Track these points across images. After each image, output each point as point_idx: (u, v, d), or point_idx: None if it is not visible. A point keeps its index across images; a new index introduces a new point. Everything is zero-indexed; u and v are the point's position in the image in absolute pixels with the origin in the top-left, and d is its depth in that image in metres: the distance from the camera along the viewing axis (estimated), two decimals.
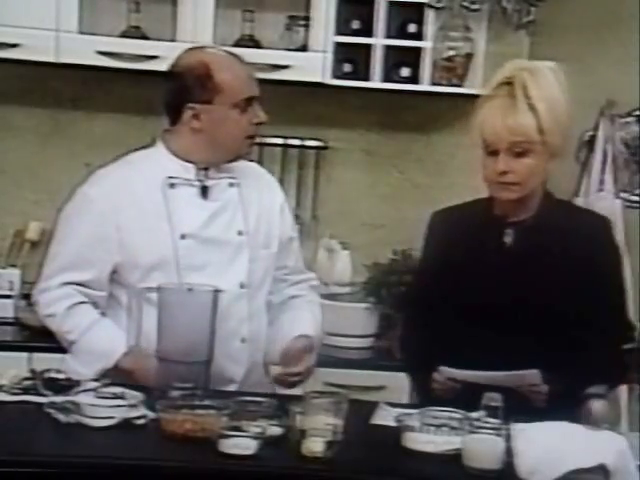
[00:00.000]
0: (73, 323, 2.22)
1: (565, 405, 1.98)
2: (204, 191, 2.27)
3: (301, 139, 3.41)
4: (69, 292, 2.23)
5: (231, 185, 2.29)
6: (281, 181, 2.57)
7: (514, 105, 2.09)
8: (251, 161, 2.46)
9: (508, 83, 2.12)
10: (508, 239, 2.18)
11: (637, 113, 3.44)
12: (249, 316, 2.28)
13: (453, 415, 1.92)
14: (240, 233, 2.27)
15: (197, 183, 2.26)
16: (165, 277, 2.18)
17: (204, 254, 2.23)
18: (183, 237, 2.22)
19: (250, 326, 2.29)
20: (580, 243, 2.14)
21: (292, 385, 2.23)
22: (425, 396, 2.19)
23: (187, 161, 2.26)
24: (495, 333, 2.10)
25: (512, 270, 2.14)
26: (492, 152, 2.13)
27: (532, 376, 2.06)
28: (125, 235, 2.21)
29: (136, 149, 2.37)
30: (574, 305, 2.10)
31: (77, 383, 2.02)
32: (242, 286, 2.26)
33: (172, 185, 2.24)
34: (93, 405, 1.90)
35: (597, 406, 2.04)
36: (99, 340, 2.21)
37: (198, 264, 2.22)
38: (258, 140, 3.29)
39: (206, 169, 2.27)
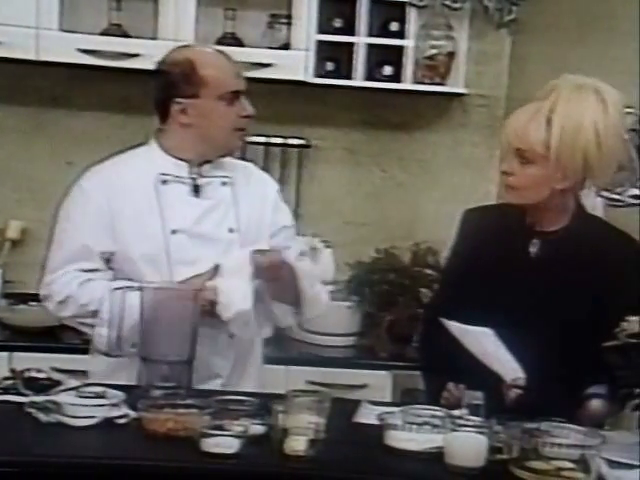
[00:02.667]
0: (90, 295, 2.23)
1: (565, 406, 1.98)
2: (196, 189, 2.31)
3: (284, 137, 3.41)
4: (77, 274, 2.25)
5: (224, 184, 2.33)
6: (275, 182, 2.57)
7: (535, 112, 2.08)
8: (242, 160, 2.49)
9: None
10: (534, 249, 2.17)
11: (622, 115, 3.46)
12: None
13: (435, 413, 1.92)
14: (231, 230, 2.31)
15: (189, 181, 2.30)
16: (156, 271, 2.23)
17: (195, 250, 2.26)
18: (174, 232, 2.26)
19: None
20: (605, 262, 2.12)
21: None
22: (436, 399, 2.17)
23: (180, 159, 2.30)
24: (513, 342, 2.08)
25: (533, 280, 2.13)
26: (506, 153, 2.13)
27: (514, 370, 2.06)
28: (118, 227, 2.25)
29: (129, 147, 2.39)
30: (590, 322, 2.07)
31: (58, 382, 2.01)
32: None
33: (164, 182, 2.28)
34: (74, 404, 1.89)
35: (597, 406, 2.04)
36: (117, 297, 2.19)
37: (189, 259, 2.25)
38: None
39: (199, 167, 2.31)
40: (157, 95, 2.30)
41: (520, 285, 2.14)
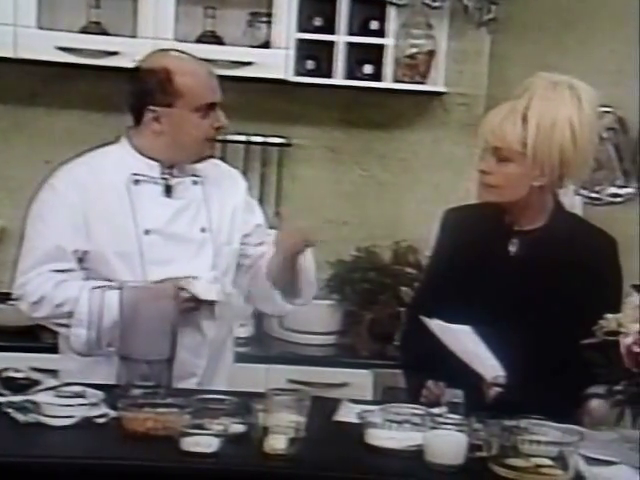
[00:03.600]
0: (65, 295, 2.22)
1: (545, 403, 1.99)
2: (168, 189, 2.30)
3: (264, 136, 3.40)
4: (51, 275, 2.24)
5: (195, 183, 2.33)
6: (244, 178, 2.57)
7: (511, 111, 2.09)
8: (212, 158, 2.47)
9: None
10: (513, 248, 2.18)
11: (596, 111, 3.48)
12: (211, 310, 2.29)
13: (415, 411, 1.93)
14: (203, 230, 2.31)
15: (161, 181, 2.30)
16: (130, 270, 2.22)
17: (168, 250, 2.26)
18: (147, 232, 2.26)
19: (212, 320, 2.30)
20: (583, 260, 2.12)
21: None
22: (417, 398, 2.18)
23: (151, 159, 2.30)
24: (493, 340, 2.09)
25: (513, 279, 2.14)
26: (483, 152, 2.13)
27: (494, 368, 2.07)
28: (92, 226, 2.24)
29: (100, 145, 2.37)
30: (570, 320, 2.08)
31: (36, 382, 2.00)
32: None
33: (136, 182, 2.28)
34: (53, 404, 1.88)
35: (597, 406, 2.05)
36: (96, 297, 2.19)
37: (162, 259, 2.25)
38: (221, 137, 3.33)
39: (170, 167, 2.31)
40: (131, 100, 2.29)
41: (500, 284, 2.15)
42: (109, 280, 2.20)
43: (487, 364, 2.09)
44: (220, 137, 3.28)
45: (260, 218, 2.45)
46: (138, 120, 2.29)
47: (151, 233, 2.26)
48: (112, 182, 2.26)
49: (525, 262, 2.16)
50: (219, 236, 2.32)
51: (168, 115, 2.23)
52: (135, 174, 2.27)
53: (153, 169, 2.29)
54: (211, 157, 2.39)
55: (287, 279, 2.34)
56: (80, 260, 2.26)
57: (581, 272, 2.12)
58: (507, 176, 2.11)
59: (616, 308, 2.05)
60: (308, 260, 2.37)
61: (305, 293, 2.41)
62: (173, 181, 2.30)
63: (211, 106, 2.26)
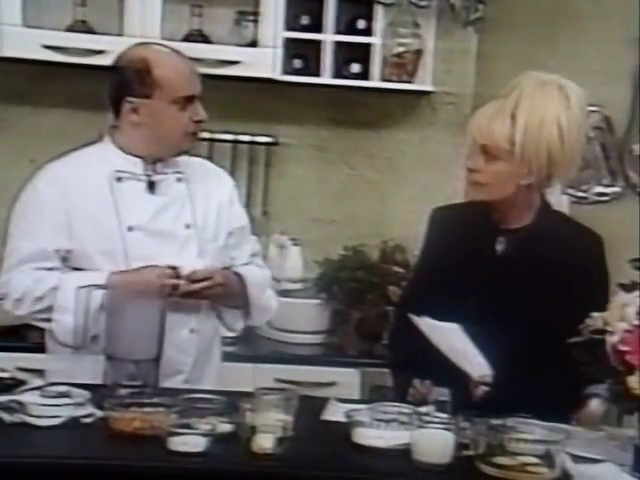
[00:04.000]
0: (43, 287, 2.22)
1: (533, 401, 1.99)
2: (151, 185, 2.30)
3: (251, 135, 3.40)
4: (33, 272, 2.24)
5: (179, 180, 2.33)
6: (231, 177, 2.57)
7: (499, 109, 2.09)
8: (197, 156, 2.47)
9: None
10: (500, 247, 2.18)
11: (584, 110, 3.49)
12: (197, 307, 2.31)
13: (403, 410, 1.93)
14: (188, 226, 2.31)
15: (144, 177, 2.29)
16: (114, 268, 2.22)
17: (152, 246, 2.26)
18: (130, 229, 2.26)
19: (198, 317, 2.32)
20: (570, 258, 2.13)
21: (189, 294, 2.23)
22: (404, 396, 2.18)
23: (134, 156, 2.30)
24: (481, 338, 2.09)
25: (500, 278, 2.14)
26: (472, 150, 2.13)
27: (480, 367, 2.07)
28: (74, 224, 2.24)
29: (84, 145, 2.37)
30: (557, 318, 2.08)
31: (22, 382, 1.99)
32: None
33: (119, 179, 2.28)
34: (38, 404, 1.87)
35: (596, 406, 2.05)
36: (77, 280, 2.19)
37: (146, 256, 2.24)
38: (208, 136, 3.34)
39: (154, 164, 2.30)
40: (110, 91, 2.29)
41: (488, 282, 2.15)
42: (89, 286, 2.18)
43: (474, 362, 2.09)
44: (208, 136, 3.34)
45: (244, 220, 2.44)
46: (117, 112, 2.28)
47: (135, 230, 2.26)
48: (95, 180, 2.26)
49: (512, 261, 2.16)
50: (204, 233, 2.32)
51: (146, 106, 2.23)
52: (118, 171, 2.27)
53: (136, 166, 2.28)
54: (190, 152, 2.38)
55: (235, 305, 2.35)
56: (64, 259, 2.26)
57: (567, 270, 2.13)
58: (495, 174, 2.11)
59: (603, 306, 2.06)
60: (255, 288, 2.35)
61: (255, 317, 2.42)
62: (156, 177, 2.30)
63: (190, 99, 2.25)
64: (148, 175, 2.29)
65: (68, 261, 2.26)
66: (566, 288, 2.12)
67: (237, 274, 2.35)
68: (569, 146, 2.10)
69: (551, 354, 2.08)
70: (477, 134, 2.11)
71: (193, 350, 2.31)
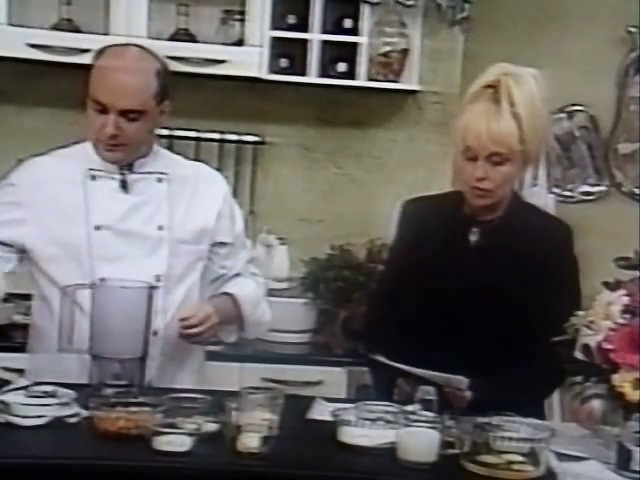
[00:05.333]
0: None
1: (512, 396, 1.99)
2: (124, 185, 2.27)
3: (238, 134, 3.40)
4: None
5: (159, 180, 2.30)
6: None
7: (498, 112, 2.07)
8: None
9: (491, 86, 2.09)
10: (473, 238, 2.19)
11: (569, 109, 3.51)
12: (163, 309, 2.26)
13: (388, 409, 1.93)
14: (161, 228, 2.27)
15: (118, 176, 2.27)
16: (79, 268, 2.20)
17: (119, 246, 2.23)
18: (98, 228, 2.23)
19: (164, 319, 2.26)
20: (541, 248, 2.14)
21: (187, 336, 2.22)
22: (380, 389, 2.19)
23: None
24: (450, 331, 2.10)
25: (474, 269, 2.15)
26: (471, 158, 2.10)
27: (458, 381, 2.07)
28: (42, 221, 2.22)
29: (72, 143, 2.35)
30: (528, 309, 2.10)
31: (7, 382, 1.98)
32: (158, 279, 2.24)
33: (93, 177, 2.26)
34: (23, 404, 1.86)
35: (596, 406, 2.05)
36: None
37: (112, 256, 2.22)
38: (195, 135, 3.34)
39: (130, 163, 2.27)
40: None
41: (461, 273, 2.16)
42: (56, 279, 2.19)
43: (448, 379, 2.07)
44: (194, 135, 3.33)
45: (230, 236, 2.38)
46: None
47: (102, 229, 2.23)
48: (68, 178, 2.25)
49: (485, 251, 2.17)
50: (180, 235, 2.28)
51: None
52: (92, 169, 2.26)
53: (112, 165, 2.26)
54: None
55: (229, 321, 2.33)
56: (21, 259, 2.24)
57: (537, 260, 2.14)
58: (503, 176, 2.11)
59: (573, 296, 2.10)
60: (249, 307, 2.34)
61: (249, 332, 2.40)
62: (131, 177, 2.26)
63: (104, 108, 2.18)
64: (122, 174, 2.27)
65: (32, 262, 2.24)
66: (536, 277, 2.13)
67: (229, 294, 2.31)
68: (547, 133, 2.15)
69: (525, 344, 2.08)
70: (490, 144, 2.07)
71: (157, 353, 2.22)
